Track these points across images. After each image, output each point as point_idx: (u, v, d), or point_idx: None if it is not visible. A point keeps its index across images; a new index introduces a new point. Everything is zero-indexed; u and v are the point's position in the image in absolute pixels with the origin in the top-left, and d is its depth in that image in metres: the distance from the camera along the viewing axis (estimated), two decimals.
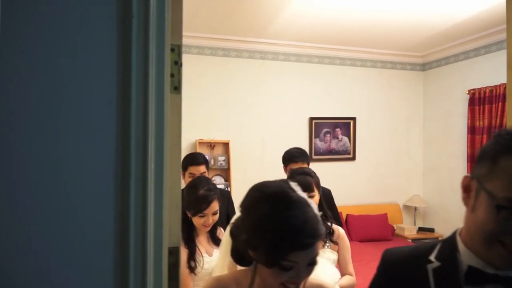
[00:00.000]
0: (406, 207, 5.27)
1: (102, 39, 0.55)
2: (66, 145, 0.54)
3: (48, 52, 0.53)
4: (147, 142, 0.56)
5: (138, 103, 0.56)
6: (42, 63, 0.53)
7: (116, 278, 0.55)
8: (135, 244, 0.55)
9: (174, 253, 0.67)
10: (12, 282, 0.52)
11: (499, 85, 4.16)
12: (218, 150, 4.50)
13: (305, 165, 2.38)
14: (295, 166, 2.36)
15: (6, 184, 0.52)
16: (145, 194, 0.56)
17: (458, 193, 3.47)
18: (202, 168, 2.40)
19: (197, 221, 1.78)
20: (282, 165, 2.57)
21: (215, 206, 1.77)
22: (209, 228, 1.83)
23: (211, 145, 4.44)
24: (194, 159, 2.43)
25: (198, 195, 1.74)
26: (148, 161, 0.56)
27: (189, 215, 1.80)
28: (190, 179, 2.27)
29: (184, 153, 4.41)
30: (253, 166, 4.65)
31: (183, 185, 4.56)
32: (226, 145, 4.48)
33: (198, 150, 4.35)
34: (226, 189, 4.03)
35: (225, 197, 2.50)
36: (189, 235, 1.80)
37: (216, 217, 1.81)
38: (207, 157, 4.56)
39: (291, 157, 2.48)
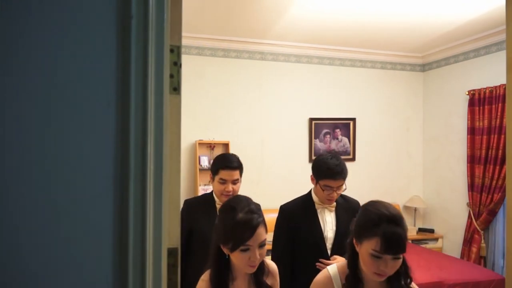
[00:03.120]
0: (406, 207, 5.27)
1: (101, 39, 0.55)
2: (66, 146, 0.54)
3: (47, 53, 0.53)
4: (146, 143, 0.56)
5: (137, 104, 0.56)
6: (41, 64, 0.53)
7: (116, 279, 0.55)
8: (134, 244, 0.55)
9: (173, 253, 0.67)
10: (12, 281, 0.52)
11: (499, 86, 4.16)
12: (218, 151, 4.50)
13: (343, 182, 1.93)
14: (333, 183, 1.90)
15: (5, 184, 0.52)
16: (144, 195, 0.56)
17: (458, 193, 3.48)
18: (236, 174, 2.00)
19: (239, 258, 1.30)
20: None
21: (261, 234, 1.31)
22: (255, 269, 1.33)
23: (211, 146, 4.44)
24: (227, 161, 2.01)
25: (238, 221, 1.29)
26: (147, 162, 0.56)
27: (225, 251, 1.33)
28: (221, 186, 1.97)
29: (183, 154, 4.43)
30: (253, 167, 4.65)
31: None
32: (226, 145, 4.48)
33: (198, 151, 4.35)
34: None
35: None
36: (221, 281, 1.33)
37: (264, 250, 1.33)
38: (206, 158, 4.59)
39: (329, 172, 1.89)
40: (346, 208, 2.03)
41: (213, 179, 2.04)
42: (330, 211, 2.02)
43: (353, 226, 1.40)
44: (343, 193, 2.05)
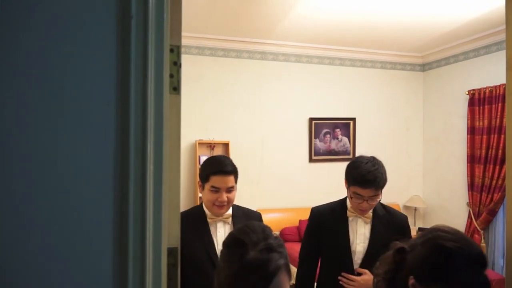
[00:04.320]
0: (406, 207, 5.27)
1: (101, 39, 0.55)
2: (65, 146, 0.54)
3: (47, 52, 0.53)
4: (146, 143, 0.56)
5: (137, 103, 0.56)
6: (40, 64, 0.53)
7: (115, 279, 0.55)
8: (134, 244, 0.55)
9: (173, 253, 0.67)
10: (12, 281, 0.52)
11: (499, 86, 4.16)
12: (218, 150, 4.50)
13: (378, 192, 1.66)
14: (362, 192, 1.65)
15: (5, 185, 0.52)
16: (144, 195, 0.56)
17: (458, 193, 3.47)
18: (231, 181, 1.66)
19: None
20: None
21: (282, 284, 0.94)
22: None
23: (211, 146, 4.44)
24: (219, 165, 1.67)
25: (248, 262, 0.92)
26: (147, 162, 0.56)
27: None
28: (213, 196, 1.64)
29: (183, 154, 4.43)
30: (253, 167, 4.65)
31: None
32: (226, 145, 4.48)
33: (198, 151, 4.35)
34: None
35: (252, 219, 1.74)
36: None
37: None
38: (206, 158, 4.56)
39: (359, 178, 1.64)
40: (387, 223, 1.74)
41: (202, 187, 1.70)
42: (365, 222, 1.75)
43: (416, 263, 1.00)
44: (387, 204, 1.84)
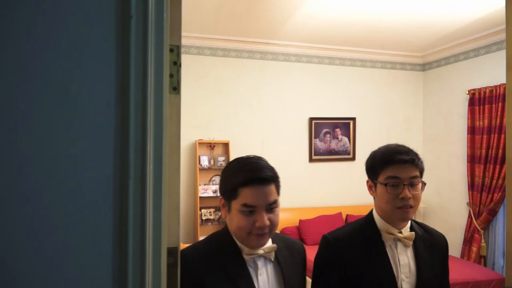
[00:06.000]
0: None
1: (100, 39, 0.55)
2: (65, 145, 0.54)
3: (47, 52, 0.53)
4: (146, 142, 0.56)
5: (137, 103, 0.56)
6: (40, 64, 0.53)
7: (115, 279, 0.55)
8: (134, 244, 0.55)
9: (173, 253, 0.67)
10: (12, 280, 0.52)
11: (499, 85, 4.16)
12: (218, 150, 4.50)
13: (417, 173, 1.28)
14: (401, 172, 1.24)
15: (4, 185, 0.52)
16: (144, 194, 0.56)
17: (458, 193, 3.47)
18: (272, 193, 1.10)
19: None
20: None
21: None
22: None
23: (211, 146, 4.44)
24: (253, 170, 1.08)
25: None
26: (147, 162, 0.56)
27: None
28: (247, 220, 1.06)
29: (183, 154, 4.43)
30: None
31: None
32: (226, 145, 4.49)
33: (198, 151, 4.35)
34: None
35: (296, 253, 1.24)
36: None
37: None
38: (206, 158, 4.57)
39: (391, 152, 1.25)
40: (429, 244, 1.33)
41: (228, 207, 1.12)
42: (406, 245, 1.28)
43: None
44: (423, 222, 1.37)
